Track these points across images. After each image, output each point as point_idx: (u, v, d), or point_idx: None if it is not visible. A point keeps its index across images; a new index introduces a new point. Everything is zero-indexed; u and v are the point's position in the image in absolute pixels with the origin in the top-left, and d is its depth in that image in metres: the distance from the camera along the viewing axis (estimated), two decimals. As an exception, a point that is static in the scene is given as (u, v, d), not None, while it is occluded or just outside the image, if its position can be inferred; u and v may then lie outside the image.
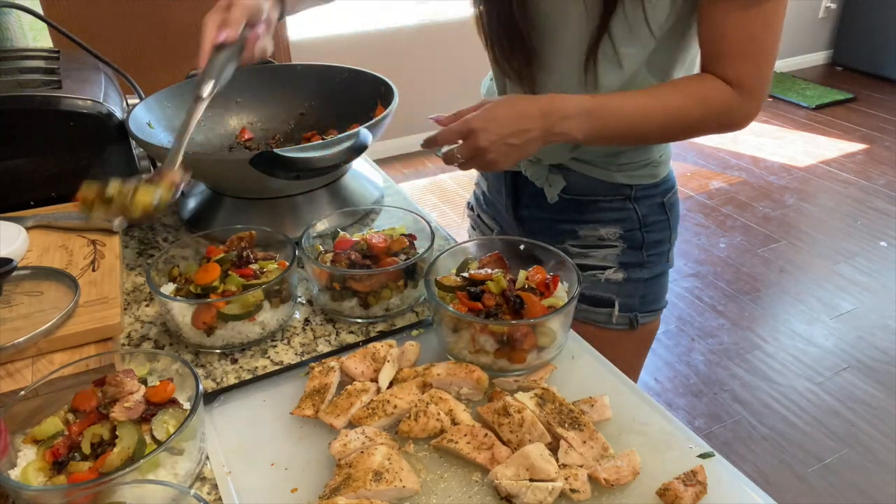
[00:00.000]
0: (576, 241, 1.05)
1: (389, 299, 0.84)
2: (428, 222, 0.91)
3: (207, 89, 0.83)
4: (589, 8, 0.84)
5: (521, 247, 0.85)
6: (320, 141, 0.90)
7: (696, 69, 0.89)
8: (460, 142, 0.83)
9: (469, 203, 1.29)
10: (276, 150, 0.87)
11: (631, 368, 1.10)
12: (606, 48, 0.86)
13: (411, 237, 0.89)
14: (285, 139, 1.22)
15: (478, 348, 0.73)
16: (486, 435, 0.64)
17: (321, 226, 0.94)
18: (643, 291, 1.06)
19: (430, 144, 0.85)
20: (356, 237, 0.87)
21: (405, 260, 0.85)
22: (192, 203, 1.09)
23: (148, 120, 1.06)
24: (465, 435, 0.64)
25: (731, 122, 0.87)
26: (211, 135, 1.19)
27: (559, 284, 0.78)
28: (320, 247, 0.89)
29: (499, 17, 0.91)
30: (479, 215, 1.25)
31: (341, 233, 0.90)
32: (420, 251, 0.87)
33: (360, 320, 0.85)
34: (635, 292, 1.05)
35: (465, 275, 0.80)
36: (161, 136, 1.08)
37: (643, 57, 0.87)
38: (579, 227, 1.04)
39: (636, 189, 1.01)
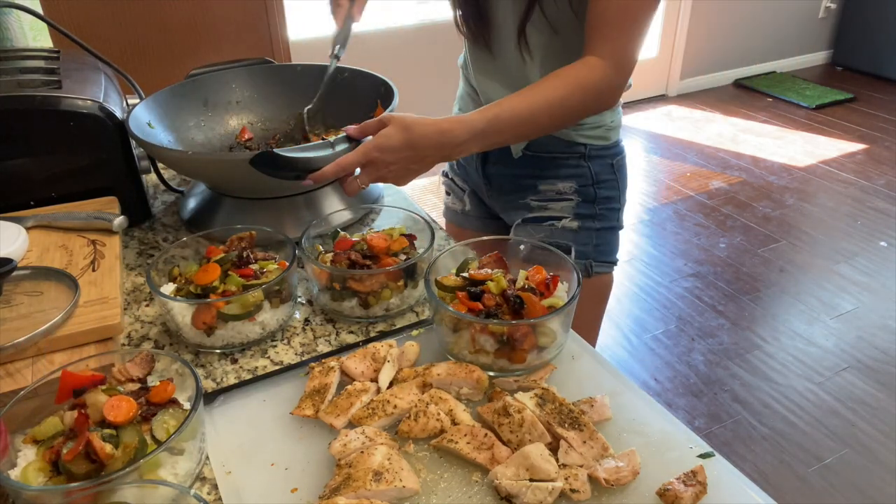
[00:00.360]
0: (536, 196, 1.17)
1: (389, 299, 0.84)
2: (428, 222, 0.91)
3: (343, 52, 1.12)
4: None
5: (522, 247, 0.85)
6: (320, 141, 0.90)
7: None
8: (358, 170, 0.89)
9: (444, 171, 1.39)
10: (276, 150, 0.87)
11: (591, 321, 1.27)
12: (536, 18, 0.99)
13: (411, 237, 0.89)
14: (285, 139, 1.22)
15: (478, 348, 0.73)
16: (486, 435, 0.64)
17: (321, 226, 0.94)
18: (596, 241, 1.17)
19: (320, 179, 0.88)
20: (356, 237, 0.87)
21: (405, 260, 0.85)
22: (192, 203, 1.09)
23: (148, 120, 1.06)
24: (465, 435, 0.64)
25: (603, 99, 0.96)
26: (211, 134, 1.19)
27: (559, 284, 0.78)
28: (320, 247, 0.89)
29: None
30: (452, 179, 1.36)
31: (341, 233, 0.90)
32: (420, 251, 0.87)
33: (360, 320, 0.85)
34: (589, 241, 1.17)
35: (466, 275, 0.80)
36: (161, 136, 1.08)
37: (568, 23, 0.99)
38: (540, 182, 1.16)
39: (590, 148, 1.13)
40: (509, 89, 1.01)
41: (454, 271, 0.83)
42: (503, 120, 0.90)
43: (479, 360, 0.74)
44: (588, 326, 1.23)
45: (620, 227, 1.21)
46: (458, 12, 1.11)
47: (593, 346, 1.28)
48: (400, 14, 3.78)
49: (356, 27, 1.17)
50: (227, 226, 0.97)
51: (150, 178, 1.17)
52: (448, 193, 1.38)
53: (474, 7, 1.06)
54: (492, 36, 1.08)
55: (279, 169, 0.87)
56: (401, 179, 0.90)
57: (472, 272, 0.80)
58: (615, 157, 1.17)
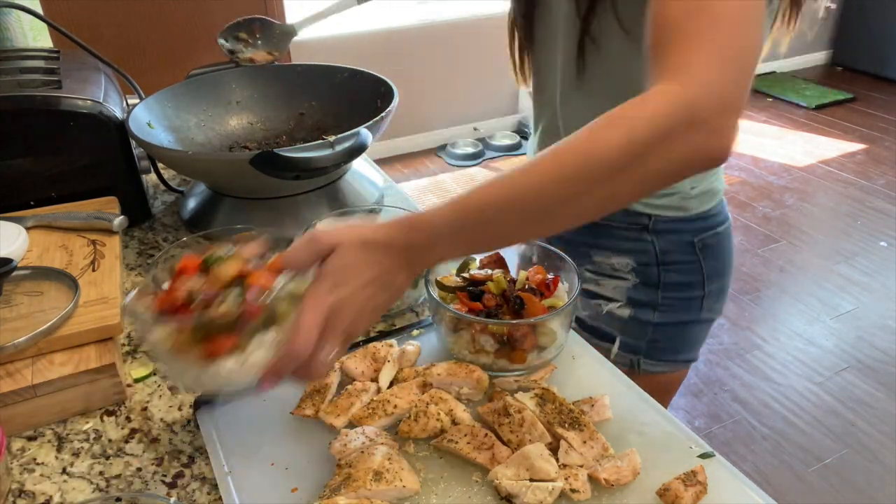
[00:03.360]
0: (591, 267, 0.98)
1: None
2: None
3: None
4: (573, 6, 0.79)
5: (521, 247, 0.85)
6: (320, 141, 0.90)
7: None
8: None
9: None
10: (275, 150, 0.87)
11: None
12: (589, 45, 0.80)
13: None
14: (286, 139, 1.22)
15: (478, 348, 0.73)
16: (486, 435, 0.64)
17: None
18: (653, 336, 0.95)
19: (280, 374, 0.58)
20: None
21: None
22: (192, 203, 1.09)
23: (148, 120, 1.06)
24: (466, 435, 0.64)
25: (686, 140, 0.54)
26: (211, 134, 1.19)
27: (559, 284, 0.78)
28: None
29: (512, 23, 0.94)
30: None
31: None
32: None
33: None
34: (642, 334, 0.95)
35: (466, 275, 0.80)
36: (161, 136, 1.08)
37: (626, 52, 0.76)
38: (594, 252, 0.96)
39: (654, 220, 0.89)
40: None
41: (454, 271, 0.83)
42: (480, 200, 0.57)
43: (480, 360, 0.74)
44: None
45: (709, 320, 0.97)
46: (512, 44, 0.95)
47: None
48: (400, 14, 3.78)
49: (354, 28, 1.18)
50: (227, 226, 0.97)
51: (150, 178, 1.17)
52: None
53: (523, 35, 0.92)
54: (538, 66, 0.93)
55: (279, 169, 0.87)
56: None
57: (472, 272, 0.80)
58: (699, 234, 0.90)
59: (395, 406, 0.68)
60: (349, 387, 0.71)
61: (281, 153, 0.86)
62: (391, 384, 0.72)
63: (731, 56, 0.56)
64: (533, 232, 0.66)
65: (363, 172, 1.15)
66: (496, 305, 0.74)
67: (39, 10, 1.66)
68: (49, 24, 1.19)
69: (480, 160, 3.95)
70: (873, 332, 2.47)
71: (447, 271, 0.83)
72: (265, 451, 0.66)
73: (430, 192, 3.64)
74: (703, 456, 0.64)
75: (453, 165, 3.91)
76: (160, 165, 1.14)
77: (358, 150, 0.91)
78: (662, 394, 0.99)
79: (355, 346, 0.80)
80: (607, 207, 0.59)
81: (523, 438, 0.64)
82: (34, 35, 1.42)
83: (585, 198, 0.56)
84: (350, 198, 1.07)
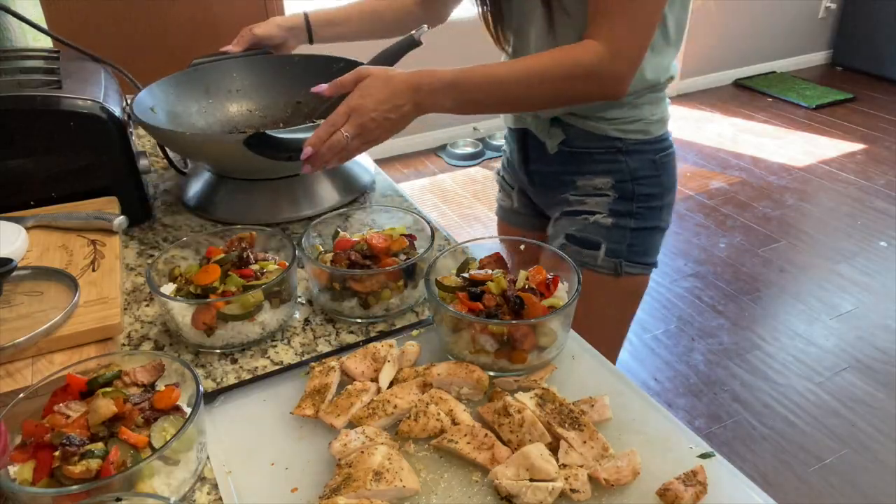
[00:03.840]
0: (575, 191, 1.14)
1: (389, 299, 0.84)
2: (428, 222, 0.91)
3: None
4: None
5: (522, 247, 0.85)
6: (311, 123, 0.94)
7: None
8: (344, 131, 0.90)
9: (497, 169, 1.40)
10: (268, 132, 0.91)
11: (618, 322, 1.23)
12: (559, 13, 0.98)
13: (411, 237, 0.89)
14: (282, 126, 1.24)
15: (478, 348, 0.73)
16: (486, 435, 0.64)
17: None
18: (630, 240, 1.12)
19: (316, 151, 0.90)
20: (356, 237, 0.87)
21: (405, 260, 0.85)
22: (195, 186, 1.13)
23: (151, 105, 1.11)
24: (466, 435, 0.64)
25: (600, 83, 0.91)
26: (212, 120, 1.23)
27: (559, 284, 0.78)
28: (320, 247, 0.90)
29: None
30: (503, 176, 1.37)
31: (342, 233, 0.90)
32: (420, 251, 0.87)
33: (359, 320, 0.85)
34: (622, 239, 1.11)
35: (466, 275, 0.80)
36: (163, 121, 1.12)
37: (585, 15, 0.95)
38: (577, 177, 1.13)
39: (626, 143, 1.08)
40: None
41: (454, 271, 0.83)
42: (475, 76, 0.90)
43: (480, 360, 0.74)
44: (614, 328, 1.22)
45: (664, 227, 1.16)
46: (482, 9, 1.11)
47: (618, 348, 1.29)
48: (400, 14, 3.77)
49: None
50: (229, 207, 1.06)
51: (150, 179, 1.17)
52: (500, 190, 1.39)
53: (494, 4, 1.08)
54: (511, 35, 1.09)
55: (271, 149, 0.92)
56: (382, 132, 0.91)
57: (472, 272, 0.80)
58: (659, 153, 1.11)
59: (395, 406, 0.68)
60: (349, 387, 0.71)
61: (273, 134, 0.92)
62: (391, 384, 0.72)
63: (640, 25, 0.90)
64: (505, 106, 1.02)
65: (356, 158, 1.18)
66: (496, 305, 0.74)
67: (39, 10, 1.66)
68: (41, 31, 1.19)
69: (480, 160, 3.95)
70: (873, 332, 2.47)
71: (447, 271, 0.83)
72: (265, 451, 0.66)
73: (430, 192, 3.64)
74: (703, 456, 0.64)
75: (453, 165, 3.92)
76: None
77: None
78: (636, 297, 1.19)
79: (355, 346, 0.80)
80: (545, 105, 1.03)
81: (523, 438, 0.64)
82: (34, 35, 1.42)
83: (535, 94, 0.93)
84: (344, 180, 1.13)
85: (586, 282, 0.94)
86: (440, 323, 0.76)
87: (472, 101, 0.93)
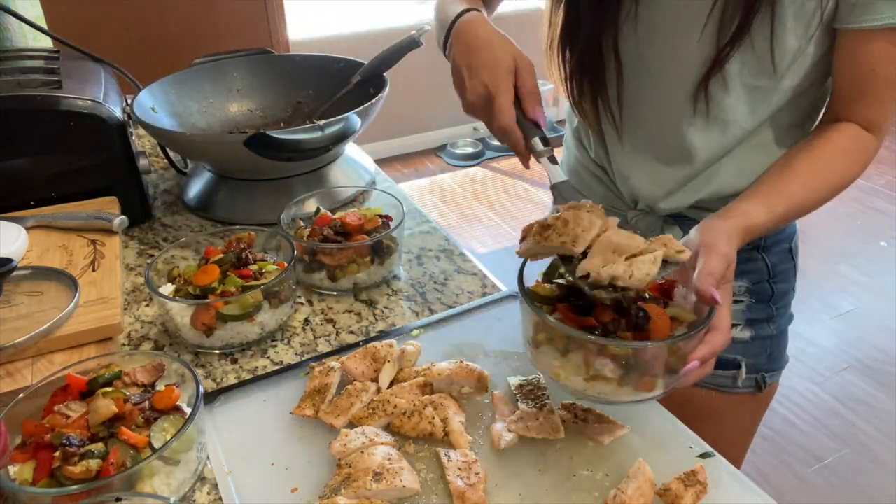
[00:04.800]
0: None
1: (356, 274, 0.88)
2: (400, 202, 0.94)
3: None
4: (707, 36, 0.75)
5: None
6: (310, 124, 0.94)
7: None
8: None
9: None
10: (268, 132, 0.92)
11: (745, 434, 1.03)
12: (717, 86, 0.78)
13: (386, 217, 0.93)
14: (282, 126, 1.25)
15: (594, 374, 0.60)
16: (476, 473, 0.60)
17: (311, 205, 0.98)
18: (770, 349, 0.95)
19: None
20: (337, 216, 0.91)
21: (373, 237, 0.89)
22: (195, 186, 1.13)
23: (152, 105, 1.11)
24: (460, 469, 0.61)
25: (867, 166, 0.80)
26: (212, 120, 1.24)
27: (676, 289, 0.65)
28: (301, 222, 0.94)
29: (582, 47, 0.83)
30: None
31: (322, 210, 0.94)
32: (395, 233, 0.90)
33: (332, 293, 0.90)
34: (762, 351, 0.94)
35: (562, 281, 0.65)
36: (164, 121, 1.12)
37: (760, 98, 0.78)
38: None
39: (767, 237, 0.90)
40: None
41: (540, 277, 0.67)
42: (788, 210, 0.74)
43: (596, 390, 0.60)
44: (743, 439, 1.04)
45: (791, 319, 0.98)
46: (578, 82, 0.86)
47: (741, 460, 1.06)
48: (400, 14, 3.78)
49: (354, 28, 1.20)
50: (230, 207, 1.06)
51: (150, 178, 1.17)
52: None
53: (603, 77, 0.84)
54: (627, 118, 0.87)
55: (271, 150, 0.93)
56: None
57: (572, 279, 0.60)
58: (793, 239, 0.93)
59: (395, 406, 0.67)
60: (349, 387, 0.71)
61: (273, 135, 0.92)
62: (391, 384, 0.72)
63: (893, 110, 0.77)
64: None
65: (356, 158, 1.21)
66: (612, 320, 0.59)
67: (39, 10, 1.66)
68: (41, 31, 1.19)
69: (480, 160, 3.95)
70: (873, 332, 2.47)
71: (532, 279, 0.67)
72: (265, 451, 0.66)
73: (430, 192, 3.64)
74: (703, 456, 0.64)
75: (453, 165, 3.92)
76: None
77: (346, 133, 0.97)
78: (769, 401, 1.00)
79: (355, 346, 0.80)
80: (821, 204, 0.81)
81: (577, 234, 0.58)
82: (34, 35, 1.42)
83: (823, 198, 0.77)
84: (344, 180, 1.14)
85: (719, 406, 0.84)
86: (541, 344, 0.63)
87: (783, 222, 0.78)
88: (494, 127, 0.76)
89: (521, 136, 0.75)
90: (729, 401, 0.96)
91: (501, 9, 0.98)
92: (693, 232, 0.67)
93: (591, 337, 0.57)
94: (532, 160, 0.77)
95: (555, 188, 0.75)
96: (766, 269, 0.91)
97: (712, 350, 0.60)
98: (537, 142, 0.74)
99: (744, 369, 0.94)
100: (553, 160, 0.76)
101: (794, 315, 0.98)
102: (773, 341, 0.95)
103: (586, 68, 0.84)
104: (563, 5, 0.84)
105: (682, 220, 0.91)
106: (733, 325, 0.91)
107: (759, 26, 0.72)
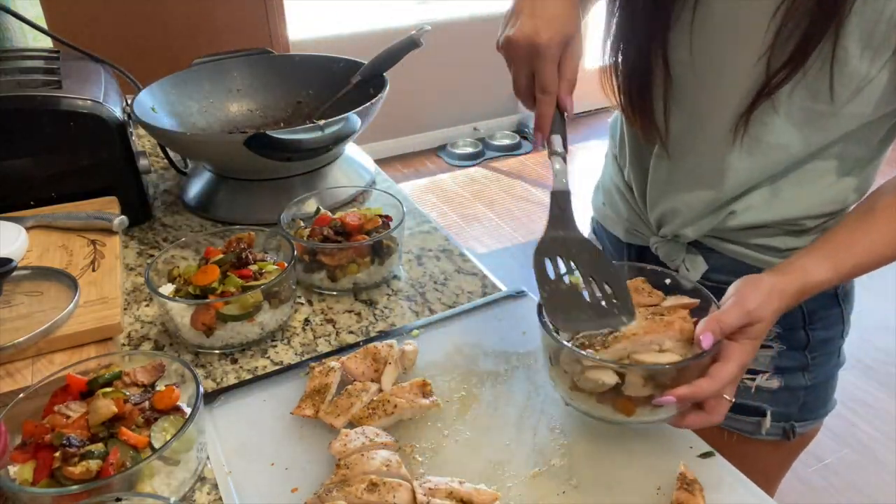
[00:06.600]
0: None
1: (356, 274, 0.88)
2: (400, 202, 0.94)
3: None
4: (765, 57, 0.68)
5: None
6: (310, 124, 0.94)
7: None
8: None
9: None
10: (268, 132, 0.92)
11: (770, 481, 0.96)
12: (766, 113, 0.71)
13: (386, 218, 0.93)
14: (283, 126, 1.25)
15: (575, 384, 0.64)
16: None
17: (311, 205, 0.99)
18: (804, 399, 0.87)
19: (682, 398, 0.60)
20: (337, 216, 0.91)
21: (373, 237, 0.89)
22: (195, 186, 1.13)
23: (152, 105, 1.11)
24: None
25: None
26: (212, 120, 1.24)
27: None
28: (301, 222, 0.94)
29: (633, 53, 0.78)
30: None
31: (322, 210, 0.94)
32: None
33: (332, 293, 0.90)
34: (793, 401, 0.87)
35: None
36: (164, 121, 1.12)
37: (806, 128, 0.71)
38: None
39: None
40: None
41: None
42: (857, 272, 0.72)
43: (578, 401, 0.65)
44: (767, 486, 0.89)
45: (840, 365, 0.89)
46: (629, 93, 0.80)
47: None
48: (400, 14, 3.78)
49: (354, 28, 1.19)
50: (230, 206, 1.06)
51: (150, 178, 1.17)
52: None
53: (652, 90, 0.78)
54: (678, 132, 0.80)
55: (271, 150, 0.93)
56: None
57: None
58: (841, 285, 0.83)
59: (395, 406, 0.67)
60: (349, 387, 0.71)
61: (273, 135, 0.92)
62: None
63: None
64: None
65: (356, 158, 1.21)
66: None
67: (39, 10, 1.66)
68: (41, 31, 1.19)
69: (480, 160, 3.95)
70: (873, 332, 2.47)
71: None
72: (265, 451, 0.66)
73: (430, 192, 3.64)
74: (703, 456, 0.64)
75: (453, 165, 3.92)
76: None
77: (346, 133, 0.97)
78: (801, 449, 0.94)
79: (355, 346, 0.80)
80: None
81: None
82: (34, 35, 1.42)
83: None
84: (344, 180, 1.14)
85: (743, 452, 0.80)
86: (565, 364, 0.65)
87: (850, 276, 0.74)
88: (540, 80, 0.68)
89: (553, 110, 0.69)
90: (752, 448, 0.90)
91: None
92: (737, 281, 0.64)
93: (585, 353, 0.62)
94: (537, 153, 0.74)
95: (553, 196, 0.70)
96: (802, 314, 0.82)
97: (693, 393, 0.58)
98: (557, 139, 0.70)
99: (769, 418, 0.87)
100: (563, 162, 0.70)
101: (844, 358, 0.90)
102: (807, 392, 0.86)
103: (635, 75, 0.78)
104: (616, 9, 0.77)
105: (705, 251, 0.84)
106: (759, 373, 0.85)
107: (817, 51, 0.65)
